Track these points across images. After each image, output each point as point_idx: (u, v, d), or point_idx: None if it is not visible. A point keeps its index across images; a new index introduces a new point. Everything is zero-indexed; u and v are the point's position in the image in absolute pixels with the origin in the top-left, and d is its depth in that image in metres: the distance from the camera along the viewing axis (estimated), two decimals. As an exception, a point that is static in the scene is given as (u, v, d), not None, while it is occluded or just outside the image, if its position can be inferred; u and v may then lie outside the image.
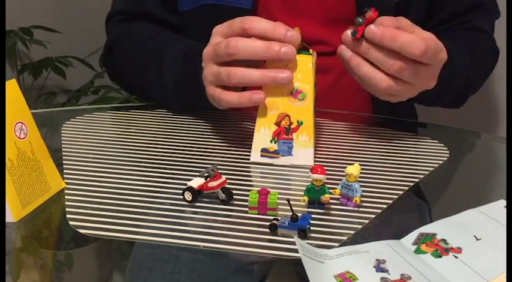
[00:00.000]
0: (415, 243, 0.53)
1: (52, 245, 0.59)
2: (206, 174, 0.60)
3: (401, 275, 0.47)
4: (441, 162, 0.73)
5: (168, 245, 0.54)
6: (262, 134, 0.69)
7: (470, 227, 0.55)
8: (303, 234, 0.54)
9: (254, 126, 0.69)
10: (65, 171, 0.66)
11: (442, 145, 0.78)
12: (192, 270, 0.55)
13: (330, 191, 0.59)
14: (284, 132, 0.69)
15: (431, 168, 0.71)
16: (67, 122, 0.82)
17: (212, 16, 0.78)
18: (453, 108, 0.93)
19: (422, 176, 0.69)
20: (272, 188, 0.60)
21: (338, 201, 0.61)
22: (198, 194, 0.60)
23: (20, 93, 0.60)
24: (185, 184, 0.60)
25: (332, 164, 0.70)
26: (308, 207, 0.60)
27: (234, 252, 0.53)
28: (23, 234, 0.58)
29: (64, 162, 0.69)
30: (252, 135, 0.70)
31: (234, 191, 0.61)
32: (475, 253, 0.51)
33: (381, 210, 0.60)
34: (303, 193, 0.60)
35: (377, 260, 0.49)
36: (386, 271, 0.48)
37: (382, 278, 0.47)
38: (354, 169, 0.60)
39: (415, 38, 0.65)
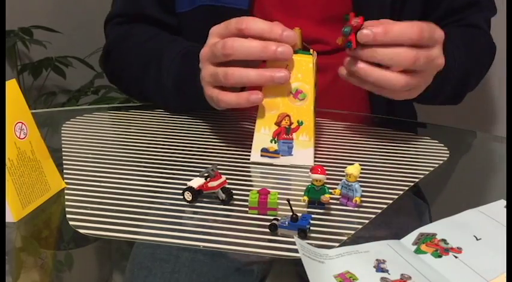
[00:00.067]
0: (415, 243, 0.53)
1: (52, 245, 0.59)
2: (206, 174, 0.60)
3: (401, 275, 0.47)
4: (441, 162, 0.73)
5: (168, 245, 0.54)
6: (262, 134, 0.69)
7: (470, 227, 0.55)
8: (303, 234, 0.54)
9: (254, 126, 0.69)
10: (65, 171, 0.66)
11: (442, 145, 0.78)
12: (191, 270, 0.55)
13: (330, 191, 0.59)
14: (284, 132, 0.69)
15: (431, 168, 0.71)
16: (67, 122, 0.82)
17: (209, 17, 0.78)
18: (452, 105, 0.93)
19: (422, 176, 0.69)
20: (272, 188, 0.60)
21: (338, 201, 0.61)
22: (198, 194, 0.60)
23: (20, 93, 0.60)
24: (185, 184, 0.60)
25: (332, 164, 0.70)
26: (308, 207, 0.60)
27: (234, 252, 0.53)
28: (23, 234, 0.58)
29: (64, 162, 0.69)
30: (252, 135, 0.70)
31: (234, 191, 0.61)
32: (475, 253, 0.51)
33: (381, 210, 0.60)
34: (303, 193, 0.60)
35: (377, 260, 0.49)
36: (387, 271, 0.48)
37: (382, 278, 0.47)
38: (354, 169, 0.60)
39: (406, 24, 0.66)
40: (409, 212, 0.66)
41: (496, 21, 0.99)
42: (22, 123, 0.59)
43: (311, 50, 0.70)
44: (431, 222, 0.56)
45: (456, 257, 0.51)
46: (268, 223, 0.55)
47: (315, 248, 0.51)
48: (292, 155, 0.69)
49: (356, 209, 0.60)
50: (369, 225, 0.58)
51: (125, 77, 0.93)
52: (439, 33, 0.69)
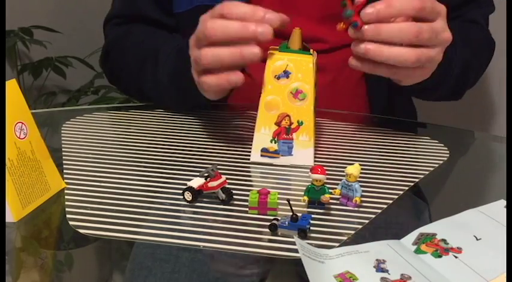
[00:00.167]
0: (415, 243, 0.53)
1: (52, 245, 0.59)
2: (206, 174, 0.60)
3: (401, 275, 0.47)
4: (441, 162, 0.73)
5: (168, 245, 0.54)
6: (262, 134, 0.69)
7: (470, 227, 0.55)
8: (303, 234, 0.54)
9: (254, 126, 0.69)
10: (65, 171, 0.66)
11: (442, 145, 0.78)
12: (191, 270, 0.55)
13: (330, 191, 0.59)
14: (284, 132, 0.69)
15: (431, 168, 0.71)
16: (67, 122, 0.82)
17: None
18: (452, 100, 0.93)
19: (422, 176, 0.69)
20: (272, 188, 0.60)
21: (338, 201, 0.61)
22: (198, 194, 0.60)
23: (20, 93, 0.60)
24: (185, 184, 0.60)
25: (332, 164, 0.70)
26: (308, 207, 0.60)
27: (234, 252, 0.53)
28: (23, 234, 0.58)
29: (64, 162, 0.69)
30: (252, 135, 0.70)
31: (234, 191, 0.61)
32: (475, 253, 0.51)
33: (381, 210, 0.60)
34: (303, 193, 0.60)
35: (377, 260, 0.49)
36: (387, 271, 0.48)
37: (382, 278, 0.47)
38: (354, 169, 0.60)
39: None
40: (409, 212, 0.66)
41: (496, 20, 0.99)
42: (22, 123, 0.59)
43: (311, 50, 0.70)
44: (431, 222, 0.56)
45: (456, 257, 0.51)
46: (268, 223, 0.55)
47: (315, 248, 0.51)
48: (292, 155, 0.69)
49: (356, 209, 0.60)
50: (368, 225, 0.58)
51: (124, 76, 0.93)
52: (439, 8, 0.69)
